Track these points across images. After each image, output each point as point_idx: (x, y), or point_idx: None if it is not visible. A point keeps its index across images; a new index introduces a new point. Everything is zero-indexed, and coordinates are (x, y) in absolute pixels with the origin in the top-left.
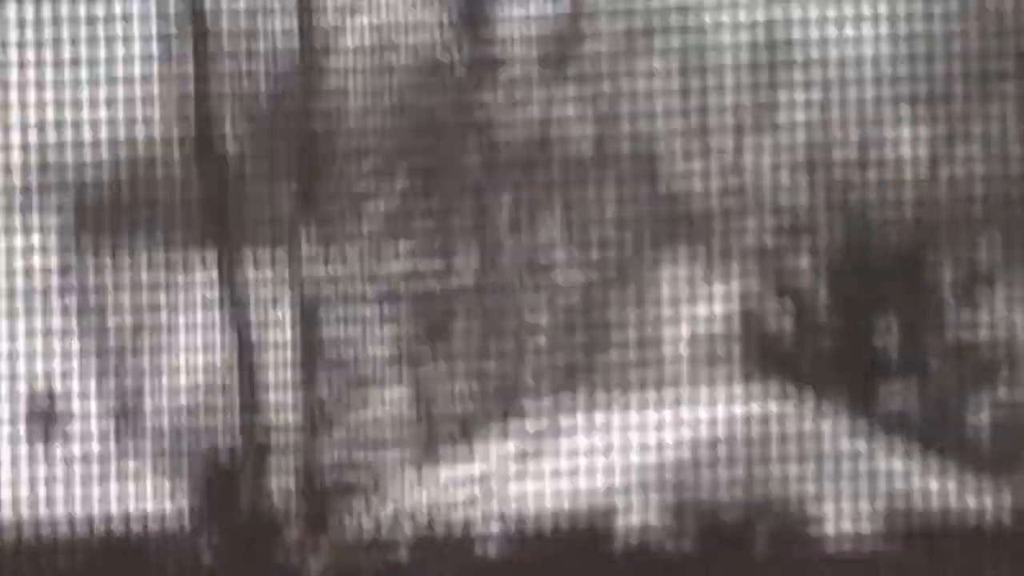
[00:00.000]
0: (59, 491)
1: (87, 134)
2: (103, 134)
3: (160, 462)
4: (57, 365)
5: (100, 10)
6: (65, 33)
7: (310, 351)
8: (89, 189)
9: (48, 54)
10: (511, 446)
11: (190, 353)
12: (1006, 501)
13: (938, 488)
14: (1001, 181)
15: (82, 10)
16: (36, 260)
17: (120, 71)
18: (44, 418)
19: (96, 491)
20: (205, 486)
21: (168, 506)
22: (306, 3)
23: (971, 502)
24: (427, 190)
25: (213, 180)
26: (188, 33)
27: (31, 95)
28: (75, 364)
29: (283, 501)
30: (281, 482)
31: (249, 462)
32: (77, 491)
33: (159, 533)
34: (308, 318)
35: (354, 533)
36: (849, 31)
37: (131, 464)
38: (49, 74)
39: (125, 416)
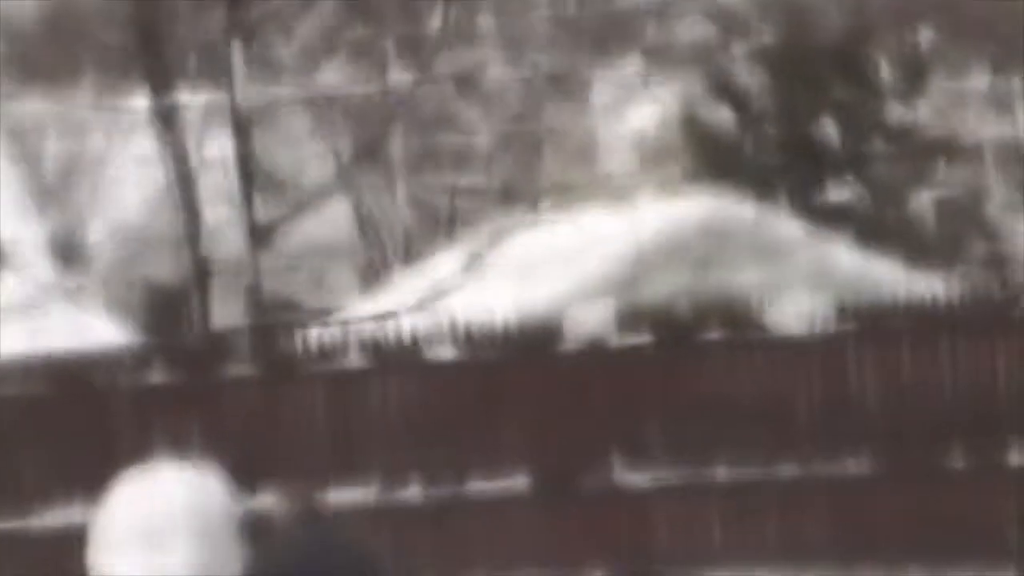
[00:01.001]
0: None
1: None
2: None
3: (105, 289)
4: None
5: None
6: None
7: (247, 172)
8: (23, 22)
9: None
10: (459, 255)
11: (128, 181)
12: (951, 286)
13: (885, 276)
14: None
15: None
16: None
17: None
18: None
19: (43, 321)
20: (151, 310)
21: (116, 332)
22: None
23: (917, 288)
24: (359, 5)
25: (146, 6)
26: None
27: None
28: (14, 196)
29: (229, 320)
30: (226, 301)
31: (193, 284)
32: (24, 323)
33: (108, 357)
34: (243, 138)
35: (302, 344)
36: None
37: (77, 292)
38: None
39: (69, 247)
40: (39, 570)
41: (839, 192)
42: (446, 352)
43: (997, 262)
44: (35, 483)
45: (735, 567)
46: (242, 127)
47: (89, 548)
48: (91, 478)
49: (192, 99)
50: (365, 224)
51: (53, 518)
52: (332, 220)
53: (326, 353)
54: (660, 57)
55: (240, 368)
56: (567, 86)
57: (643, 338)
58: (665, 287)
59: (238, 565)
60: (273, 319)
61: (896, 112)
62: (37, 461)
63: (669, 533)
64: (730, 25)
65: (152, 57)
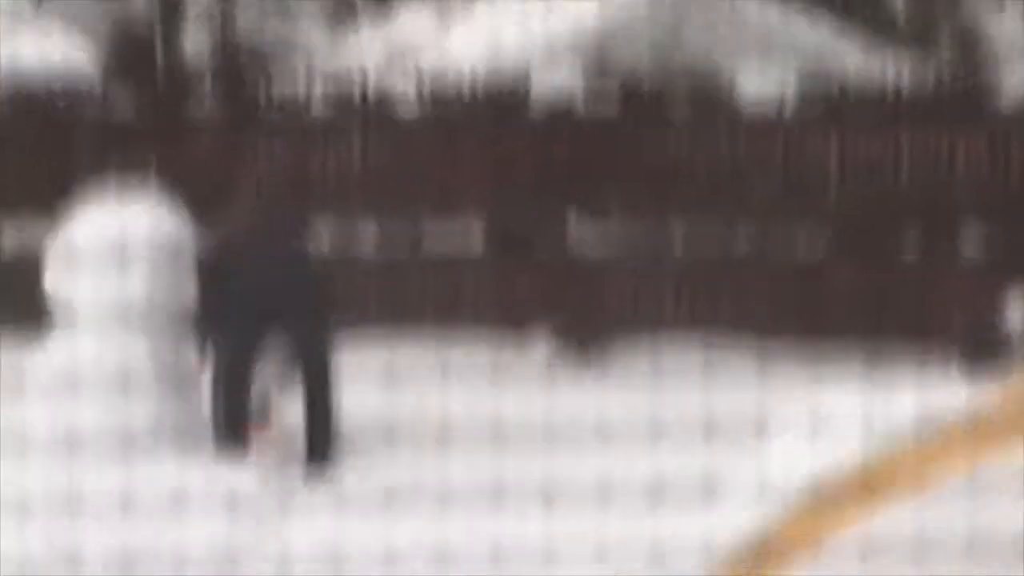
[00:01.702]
0: None
1: None
2: None
3: (74, 19)
4: None
5: None
6: None
7: None
8: None
9: None
10: (428, 14)
11: None
12: (920, 69)
13: (854, 57)
14: None
15: None
16: None
17: None
18: None
19: (12, 45)
20: (120, 44)
21: (84, 62)
22: None
23: (886, 71)
24: None
25: None
26: None
27: None
28: None
29: (198, 59)
30: (196, 41)
31: (163, 21)
32: None
33: (75, 90)
34: None
35: (266, 91)
36: None
37: (47, 22)
38: None
39: None
40: None
41: None
42: (410, 110)
43: (969, 44)
44: None
45: (683, 335)
46: None
47: (48, 270)
48: (51, 204)
49: None
50: None
51: (10, 240)
52: None
53: (291, 103)
54: None
55: (204, 110)
56: None
57: (609, 108)
58: (632, 51)
59: (192, 295)
60: (241, 63)
61: None
62: None
63: (620, 298)
64: None
65: None
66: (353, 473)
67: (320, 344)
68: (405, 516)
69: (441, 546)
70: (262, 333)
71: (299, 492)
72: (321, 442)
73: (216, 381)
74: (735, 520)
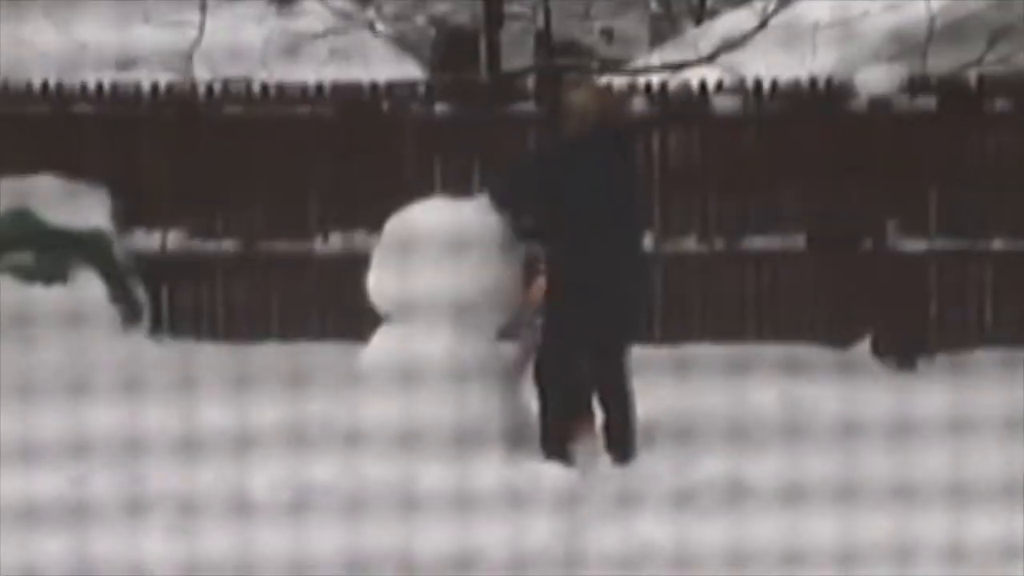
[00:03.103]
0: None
1: None
2: None
3: (396, 26)
4: None
5: None
6: None
7: None
8: None
9: None
10: (750, 13)
11: None
12: None
13: None
14: None
15: None
16: None
17: None
18: None
19: (340, 49)
20: (440, 50)
21: (406, 67)
22: None
23: None
24: None
25: None
26: None
27: None
28: None
29: (517, 65)
30: (516, 47)
31: (483, 26)
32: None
33: (398, 88)
34: None
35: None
36: None
37: (371, 25)
38: None
39: None
40: (322, 293)
41: None
42: (731, 104)
43: None
44: (320, 207)
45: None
46: None
47: (375, 267)
48: (373, 204)
49: None
50: None
51: (335, 243)
52: None
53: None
54: None
55: (525, 106)
56: None
57: (930, 101)
58: (954, 57)
59: (515, 296)
60: (560, 64)
61: None
62: (322, 185)
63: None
64: None
65: None
66: (649, 471)
67: (627, 338)
68: (701, 515)
69: (735, 545)
70: (588, 326)
71: (609, 488)
72: (624, 438)
73: (549, 374)
74: None
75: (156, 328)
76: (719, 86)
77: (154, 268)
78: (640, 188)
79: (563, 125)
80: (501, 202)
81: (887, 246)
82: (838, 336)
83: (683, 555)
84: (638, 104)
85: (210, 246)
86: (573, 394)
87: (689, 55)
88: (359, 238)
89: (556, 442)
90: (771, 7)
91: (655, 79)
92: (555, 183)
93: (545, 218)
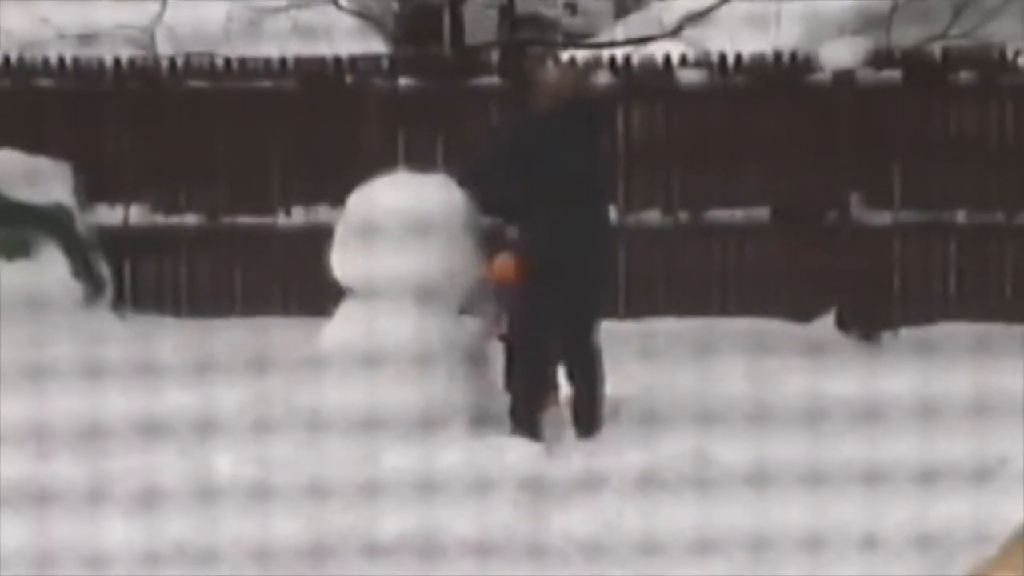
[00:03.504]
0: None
1: None
2: None
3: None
4: None
5: None
6: None
7: None
8: None
9: None
10: None
11: None
12: None
13: None
14: None
15: None
16: None
17: None
18: None
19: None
20: (403, 24)
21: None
22: None
23: None
24: None
25: None
26: None
27: None
28: None
29: (481, 39)
30: (479, 22)
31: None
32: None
33: (362, 62)
34: None
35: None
36: None
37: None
38: None
39: None
40: (285, 267)
41: None
42: (695, 78)
43: None
44: (283, 181)
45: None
46: None
47: (336, 245)
48: (336, 178)
49: None
50: None
51: (298, 217)
52: None
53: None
54: None
55: (489, 80)
56: None
57: (895, 75)
58: (918, 30)
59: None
60: (524, 38)
61: None
62: (285, 160)
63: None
64: None
65: None
66: (614, 446)
67: (596, 311)
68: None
69: (701, 522)
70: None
71: (575, 464)
72: (589, 416)
73: (518, 352)
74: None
75: (119, 303)
76: (683, 60)
77: (117, 243)
78: (608, 163)
79: (533, 100)
80: (474, 178)
81: (851, 219)
82: (802, 310)
83: (649, 532)
84: (602, 78)
85: (173, 220)
86: (542, 366)
87: (654, 29)
88: (322, 212)
89: (525, 412)
90: None
91: (619, 53)
92: (529, 159)
93: (518, 193)
